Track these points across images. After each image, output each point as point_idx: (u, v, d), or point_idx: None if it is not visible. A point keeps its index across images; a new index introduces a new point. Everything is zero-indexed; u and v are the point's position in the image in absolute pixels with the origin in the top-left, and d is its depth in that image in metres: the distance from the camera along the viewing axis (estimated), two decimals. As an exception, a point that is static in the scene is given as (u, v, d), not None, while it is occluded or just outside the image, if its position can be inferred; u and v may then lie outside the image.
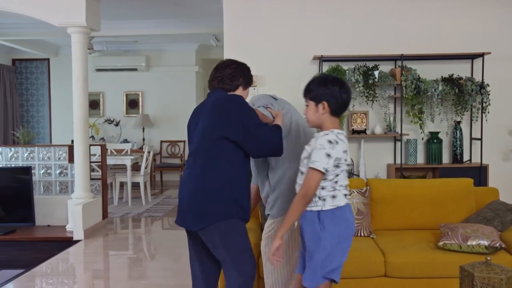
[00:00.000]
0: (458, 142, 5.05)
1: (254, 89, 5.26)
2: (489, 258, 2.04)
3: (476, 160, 5.15)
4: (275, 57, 5.23)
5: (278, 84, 5.20)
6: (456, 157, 5.08)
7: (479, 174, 4.97)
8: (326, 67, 5.06)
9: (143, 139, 9.63)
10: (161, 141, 9.90)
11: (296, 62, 5.20)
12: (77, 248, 5.20)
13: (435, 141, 5.05)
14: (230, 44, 5.27)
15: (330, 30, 5.19)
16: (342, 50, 5.12)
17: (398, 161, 5.15)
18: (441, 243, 3.22)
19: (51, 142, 9.83)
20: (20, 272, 4.39)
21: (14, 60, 9.97)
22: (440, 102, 5.00)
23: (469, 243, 3.13)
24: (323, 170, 2.21)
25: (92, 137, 9.56)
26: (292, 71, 5.20)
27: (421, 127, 5.02)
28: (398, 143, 5.16)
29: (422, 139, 5.15)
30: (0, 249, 5.26)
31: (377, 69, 4.96)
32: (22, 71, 10.06)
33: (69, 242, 5.37)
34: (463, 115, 5.03)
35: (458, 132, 5.05)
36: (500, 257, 3.16)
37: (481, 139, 4.98)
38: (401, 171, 5.01)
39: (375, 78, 4.93)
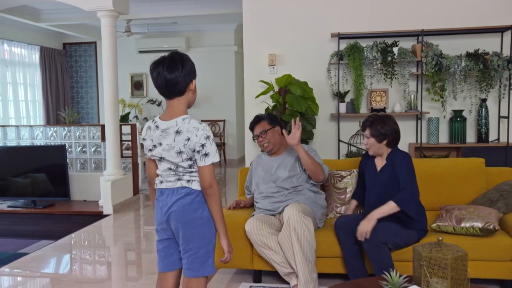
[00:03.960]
0: (483, 121, 4.83)
1: (273, 67, 5.27)
2: (440, 238, 1.99)
3: (504, 139, 4.91)
4: (293, 35, 5.20)
5: (296, 62, 5.18)
6: (481, 136, 4.86)
7: (506, 154, 4.75)
8: (344, 45, 4.98)
9: (184, 119, 9.88)
10: (201, 121, 10.07)
11: (315, 39, 5.15)
12: (105, 222, 5.51)
13: (458, 119, 4.86)
14: (249, 24, 5.29)
15: (348, 6, 5.08)
16: (361, 27, 5.01)
17: (420, 140, 5.01)
18: (434, 224, 3.14)
19: (99, 121, 10.33)
20: (49, 242, 4.74)
21: (64, 44, 10.50)
22: (463, 78, 4.79)
23: (462, 225, 3.03)
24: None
25: (136, 117, 9.94)
26: (311, 49, 5.15)
27: (442, 105, 4.84)
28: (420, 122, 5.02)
29: (444, 117, 4.96)
30: (39, 221, 5.68)
31: (396, 46, 4.82)
32: (72, 54, 10.58)
33: (99, 216, 5.70)
34: (489, 92, 4.80)
35: (483, 110, 4.82)
36: (496, 239, 3.06)
37: (508, 117, 4.74)
38: (420, 150, 4.88)
39: (394, 55, 4.79)
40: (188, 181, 2.16)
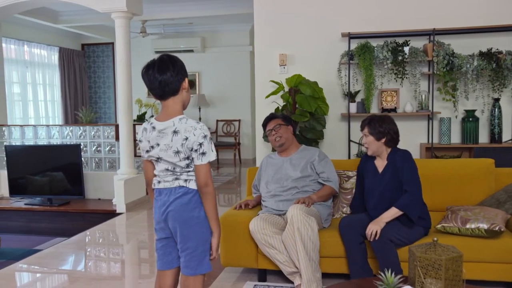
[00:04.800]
0: (496, 121, 4.76)
1: (284, 67, 5.28)
2: (435, 239, 1.99)
3: (518, 139, 4.83)
4: (304, 35, 5.20)
5: (307, 62, 5.19)
6: (494, 136, 4.80)
7: (519, 155, 4.67)
8: (354, 44, 4.96)
9: (199, 119, 9.97)
10: (217, 120, 10.18)
11: (325, 39, 5.14)
12: (118, 220, 5.59)
13: (470, 119, 4.80)
14: (260, 24, 5.31)
15: (359, 6, 5.06)
16: (371, 27, 4.99)
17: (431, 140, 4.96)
18: (439, 225, 3.12)
19: (116, 121, 10.47)
20: (63, 239, 4.84)
21: (83, 45, 10.68)
22: (475, 78, 4.73)
23: (467, 226, 3.00)
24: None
25: (152, 116, 10.05)
26: (321, 49, 5.16)
27: (454, 105, 4.79)
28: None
29: (456, 117, 4.91)
30: (55, 219, 5.81)
31: (407, 45, 4.78)
32: (90, 55, 10.75)
33: (112, 214, 5.79)
34: (502, 91, 4.73)
35: (496, 110, 4.76)
36: (503, 241, 3.01)
37: (521, 118, 4.66)
38: (432, 151, 4.83)
39: (405, 54, 4.76)
40: (186, 180, 2.20)
